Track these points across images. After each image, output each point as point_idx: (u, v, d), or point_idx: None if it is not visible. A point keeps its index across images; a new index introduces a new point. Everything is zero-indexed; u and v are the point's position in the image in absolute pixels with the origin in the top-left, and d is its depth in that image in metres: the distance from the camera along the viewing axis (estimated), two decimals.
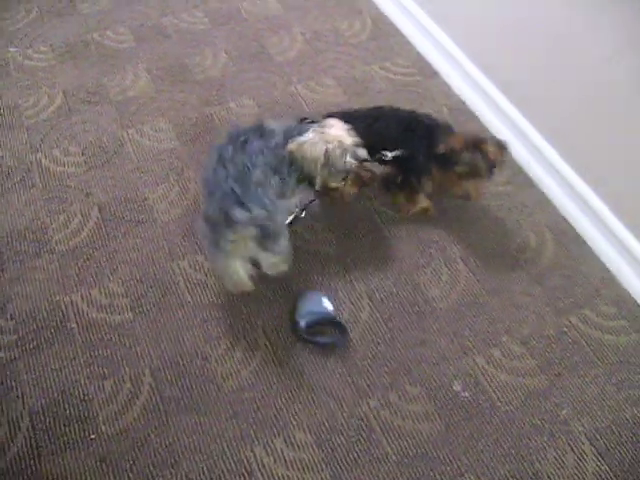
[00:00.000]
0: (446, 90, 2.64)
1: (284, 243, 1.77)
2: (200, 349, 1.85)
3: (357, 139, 1.85)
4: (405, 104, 2.18)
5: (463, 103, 2.59)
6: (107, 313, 1.91)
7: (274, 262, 1.80)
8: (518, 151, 2.34)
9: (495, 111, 2.48)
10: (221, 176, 1.72)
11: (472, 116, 2.54)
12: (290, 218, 1.90)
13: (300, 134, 1.82)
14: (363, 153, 1.86)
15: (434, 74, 2.70)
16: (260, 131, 1.82)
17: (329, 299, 1.93)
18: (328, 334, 1.89)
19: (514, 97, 2.39)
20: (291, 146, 1.81)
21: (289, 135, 1.83)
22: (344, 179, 1.90)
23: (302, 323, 1.87)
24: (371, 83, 2.65)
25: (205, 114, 2.46)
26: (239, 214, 1.64)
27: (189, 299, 1.95)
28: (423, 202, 2.13)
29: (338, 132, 1.83)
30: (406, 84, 2.66)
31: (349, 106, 2.29)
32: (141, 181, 2.24)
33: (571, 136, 2.14)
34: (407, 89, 2.63)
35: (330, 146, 1.81)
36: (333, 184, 1.90)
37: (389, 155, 2.01)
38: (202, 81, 2.62)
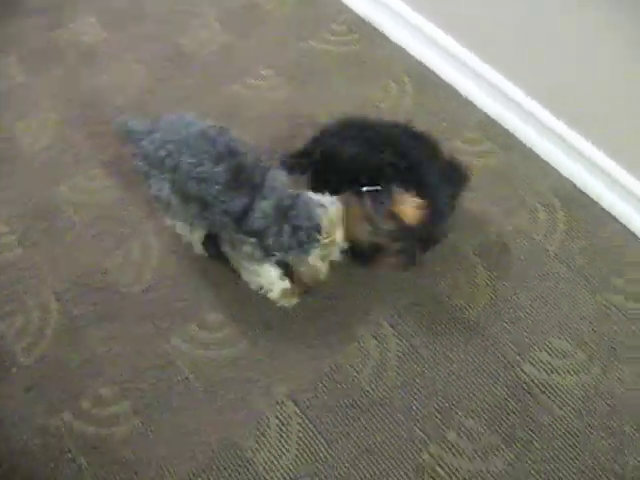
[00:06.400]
0: (401, 55, 2.36)
1: None
2: (97, 264, 1.89)
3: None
4: (356, 79, 2.19)
5: (425, 67, 2.33)
6: None
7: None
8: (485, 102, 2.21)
9: (463, 69, 2.22)
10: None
11: (439, 82, 2.29)
12: None
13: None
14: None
15: (383, 38, 2.40)
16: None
17: None
18: None
19: (486, 55, 2.15)
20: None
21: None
22: None
23: None
24: (313, 62, 2.32)
25: None
26: None
27: (75, 220, 1.96)
28: None
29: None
30: (353, 55, 2.35)
31: (297, 99, 2.18)
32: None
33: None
34: (356, 61, 2.34)
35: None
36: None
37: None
38: (122, 107, 2.24)
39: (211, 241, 1.81)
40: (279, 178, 1.57)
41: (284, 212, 1.52)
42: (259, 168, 1.57)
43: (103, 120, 2.14)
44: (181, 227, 1.77)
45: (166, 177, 1.59)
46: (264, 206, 1.52)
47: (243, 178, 1.55)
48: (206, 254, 1.85)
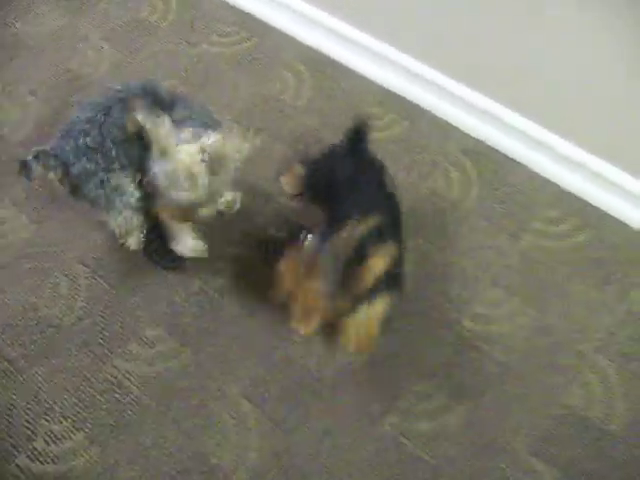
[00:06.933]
0: (292, 44, 2.34)
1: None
2: (27, 302, 1.87)
3: None
4: (254, 76, 2.24)
5: (318, 52, 2.32)
6: None
7: None
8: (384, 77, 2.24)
9: (355, 49, 2.24)
10: None
11: (335, 65, 2.30)
12: None
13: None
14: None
15: (272, 31, 2.39)
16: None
17: None
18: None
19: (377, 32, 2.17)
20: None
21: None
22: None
23: None
24: (207, 65, 2.33)
25: None
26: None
27: None
28: None
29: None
30: (246, 53, 2.35)
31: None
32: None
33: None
34: (250, 58, 2.34)
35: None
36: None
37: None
38: (23, 142, 2.17)
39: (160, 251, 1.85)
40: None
41: None
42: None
43: (6, 159, 2.09)
44: (121, 218, 1.78)
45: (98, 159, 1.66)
46: None
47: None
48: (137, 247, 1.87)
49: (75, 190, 1.70)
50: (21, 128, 2.20)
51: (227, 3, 2.45)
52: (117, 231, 1.81)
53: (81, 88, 2.26)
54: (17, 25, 2.45)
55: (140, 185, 1.72)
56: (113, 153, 1.67)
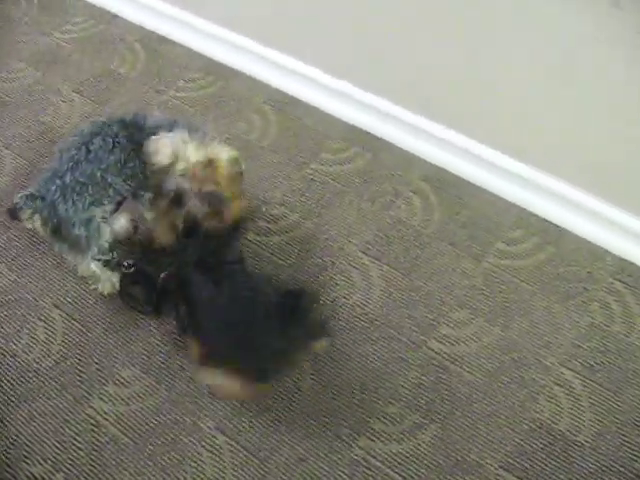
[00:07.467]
0: (258, 87, 2.47)
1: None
2: (4, 349, 1.90)
3: None
4: (220, 118, 2.34)
5: (283, 93, 2.44)
6: None
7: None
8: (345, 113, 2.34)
9: (315, 87, 2.35)
10: None
11: (299, 104, 2.42)
12: None
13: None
14: None
15: (238, 75, 2.51)
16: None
17: None
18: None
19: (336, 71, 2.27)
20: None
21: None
22: None
23: None
24: (175, 111, 2.40)
25: None
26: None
27: None
28: None
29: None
30: (213, 96, 2.46)
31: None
32: None
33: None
34: (217, 101, 2.45)
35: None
36: None
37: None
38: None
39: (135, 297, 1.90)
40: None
41: None
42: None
43: None
44: (94, 264, 1.84)
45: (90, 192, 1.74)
46: None
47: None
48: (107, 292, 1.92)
49: (56, 232, 1.76)
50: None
51: (193, 51, 2.55)
52: (88, 276, 1.86)
53: (54, 140, 2.33)
54: None
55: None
56: (108, 180, 1.76)
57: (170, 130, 1.76)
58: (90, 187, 1.74)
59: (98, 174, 1.74)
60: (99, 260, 1.83)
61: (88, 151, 1.75)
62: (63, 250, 1.82)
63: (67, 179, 1.73)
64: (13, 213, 1.74)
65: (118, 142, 1.77)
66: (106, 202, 1.77)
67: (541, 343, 1.83)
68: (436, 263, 1.97)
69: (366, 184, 2.13)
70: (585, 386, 1.76)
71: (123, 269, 1.86)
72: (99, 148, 1.75)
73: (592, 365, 1.79)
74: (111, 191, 1.77)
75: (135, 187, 1.81)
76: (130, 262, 1.86)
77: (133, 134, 1.79)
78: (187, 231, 1.64)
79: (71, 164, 1.74)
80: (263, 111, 2.36)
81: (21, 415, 1.80)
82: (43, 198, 1.72)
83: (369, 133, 2.26)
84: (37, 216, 1.71)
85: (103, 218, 1.78)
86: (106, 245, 1.80)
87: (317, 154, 2.18)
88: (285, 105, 2.36)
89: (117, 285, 1.90)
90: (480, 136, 2.02)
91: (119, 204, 1.80)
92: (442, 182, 2.13)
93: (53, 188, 1.73)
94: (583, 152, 1.86)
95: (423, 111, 2.11)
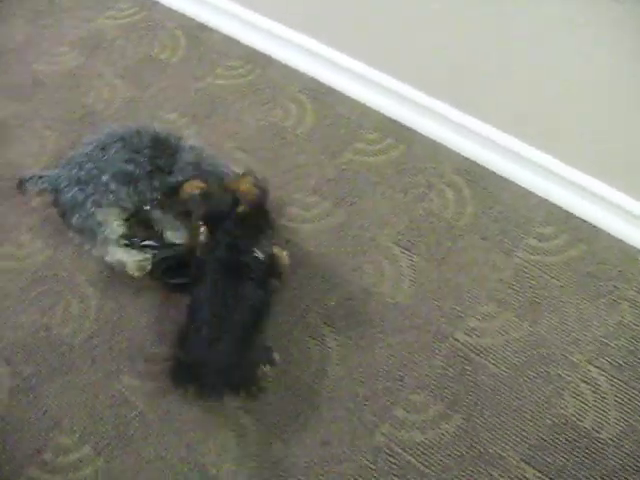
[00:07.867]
0: (294, 76, 2.49)
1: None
2: (39, 323, 1.95)
3: None
4: (257, 106, 2.38)
5: (319, 82, 2.46)
6: None
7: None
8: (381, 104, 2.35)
9: (354, 78, 2.36)
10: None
11: (335, 94, 2.42)
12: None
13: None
14: None
15: (275, 63, 2.52)
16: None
17: None
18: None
19: (376, 62, 2.28)
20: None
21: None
22: None
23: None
24: (213, 97, 2.46)
25: None
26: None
27: (11, 287, 2.03)
28: None
29: None
30: (250, 84, 2.48)
31: (204, 133, 2.31)
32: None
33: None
34: (254, 89, 2.47)
35: None
36: None
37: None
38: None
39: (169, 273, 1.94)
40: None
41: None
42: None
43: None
44: (113, 251, 1.90)
45: (89, 191, 1.82)
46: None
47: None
48: (137, 274, 1.95)
49: (63, 217, 1.86)
50: (40, 159, 2.31)
51: (232, 39, 2.58)
52: (115, 265, 1.94)
53: (95, 123, 2.37)
54: (34, 66, 2.60)
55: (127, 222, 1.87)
56: (111, 187, 1.82)
57: (196, 169, 1.84)
58: (91, 186, 1.82)
59: (102, 177, 1.82)
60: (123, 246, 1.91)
61: (103, 153, 1.82)
62: (73, 233, 1.91)
63: (73, 172, 1.81)
64: (19, 185, 1.85)
65: (137, 155, 1.84)
66: (105, 205, 1.84)
67: (569, 340, 1.80)
68: (467, 256, 1.96)
69: (399, 175, 2.13)
70: (612, 384, 1.74)
71: (150, 249, 1.93)
72: (114, 153, 1.83)
73: (620, 364, 1.77)
74: (111, 197, 1.84)
75: (140, 202, 1.89)
76: (154, 242, 1.95)
77: (158, 156, 1.85)
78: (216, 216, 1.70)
79: (82, 160, 1.83)
80: (299, 100, 2.37)
81: (53, 387, 1.84)
82: (47, 182, 1.83)
83: (403, 125, 2.27)
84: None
85: (102, 220, 1.86)
86: (114, 237, 1.90)
87: (351, 144, 2.19)
88: (321, 94, 2.38)
89: (148, 266, 1.93)
90: (515, 131, 2.02)
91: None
92: (475, 175, 2.13)
93: (61, 177, 1.82)
94: (620, 152, 1.85)
95: (458, 104, 2.11)
